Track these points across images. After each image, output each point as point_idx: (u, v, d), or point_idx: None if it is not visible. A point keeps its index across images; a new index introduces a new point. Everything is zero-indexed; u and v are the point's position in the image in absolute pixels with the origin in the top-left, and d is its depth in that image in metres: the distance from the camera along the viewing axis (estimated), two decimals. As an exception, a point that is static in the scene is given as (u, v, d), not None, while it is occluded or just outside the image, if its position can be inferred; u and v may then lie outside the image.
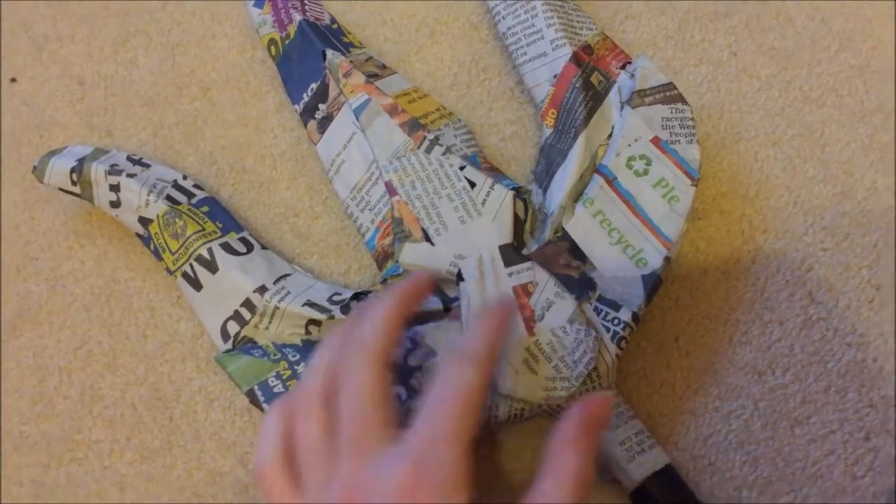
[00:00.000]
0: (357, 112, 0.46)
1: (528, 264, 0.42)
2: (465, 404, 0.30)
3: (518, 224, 0.43)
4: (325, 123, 0.47)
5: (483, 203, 0.43)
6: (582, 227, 0.42)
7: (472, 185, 0.43)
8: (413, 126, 0.45)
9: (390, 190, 0.44)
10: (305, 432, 0.32)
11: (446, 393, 0.30)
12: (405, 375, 0.40)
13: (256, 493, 0.43)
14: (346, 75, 0.46)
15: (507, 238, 0.42)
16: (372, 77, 0.47)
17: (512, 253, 0.42)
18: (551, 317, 0.40)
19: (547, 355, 0.40)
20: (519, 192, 0.44)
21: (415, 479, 0.29)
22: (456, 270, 0.42)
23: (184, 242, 0.44)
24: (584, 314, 0.41)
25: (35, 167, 0.46)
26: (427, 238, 0.43)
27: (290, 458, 0.32)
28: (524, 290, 0.41)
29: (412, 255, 0.43)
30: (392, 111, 0.45)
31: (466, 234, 0.43)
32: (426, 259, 0.43)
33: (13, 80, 0.53)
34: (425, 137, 0.44)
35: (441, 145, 0.44)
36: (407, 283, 0.35)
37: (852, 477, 0.41)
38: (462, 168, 0.44)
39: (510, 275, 0.41)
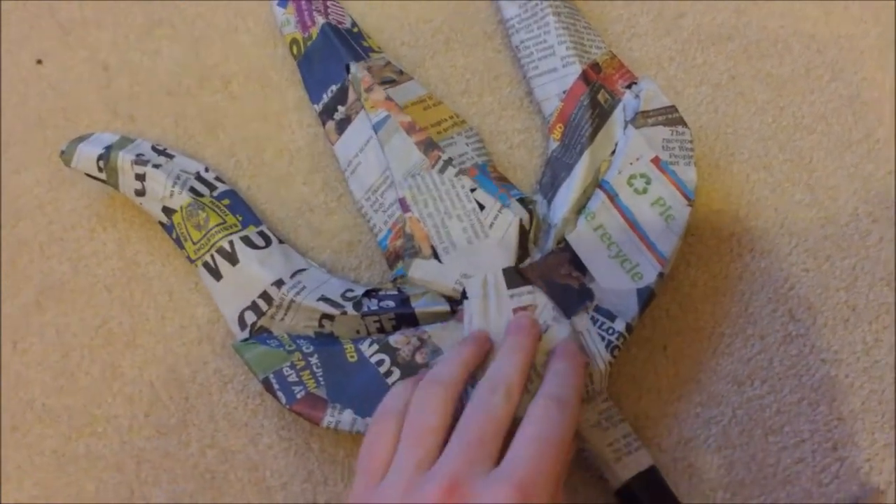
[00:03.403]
0: (376, 127, 0.48)
1: (528, 287, 0.44)
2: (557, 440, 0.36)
3: (523, 234, 0.46)
4: (343, 125, 0.50)
5: (490, 226, 0.46)
6: (583, 240, 0.45)
7: (482, 207, 0.46)
8: (429, 145, 0.47)
9: (404, 206, 0.46)
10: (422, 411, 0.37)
11: (539, 432, 0.36)
12: (412, 371, 0.43)
13: (265, 472, 0.46)
14: (368, 90, 0.49)
15: (511, 261, 0.45)
16: (389, 83, 0.49)
17: (514, 276, 0.45)
18: (548, 339, 0.43)
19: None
20: (524, 203, 0.46)
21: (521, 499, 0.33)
22: (461, 288, 0.45)
23: (206, 234, 0.47)
24: (579, 335, 0.43)
25: (63, 152, 0.49)
26: (436, 255, 0.46)
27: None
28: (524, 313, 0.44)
29: (420, 270, 0.46)
30: (410, 129, 0.47)
31: (473, 254, 0.45)
32: (433, 275, 0.45)
33: (39, 61, 0.55)
34: (440, 157, 0.47)
35: (454, 167, 0.47)
36: (472, 347, 0.41)
37: (818, 483, 0.45)
38: (473, 190, 0.46)
39: (511, 297, 0.44)
